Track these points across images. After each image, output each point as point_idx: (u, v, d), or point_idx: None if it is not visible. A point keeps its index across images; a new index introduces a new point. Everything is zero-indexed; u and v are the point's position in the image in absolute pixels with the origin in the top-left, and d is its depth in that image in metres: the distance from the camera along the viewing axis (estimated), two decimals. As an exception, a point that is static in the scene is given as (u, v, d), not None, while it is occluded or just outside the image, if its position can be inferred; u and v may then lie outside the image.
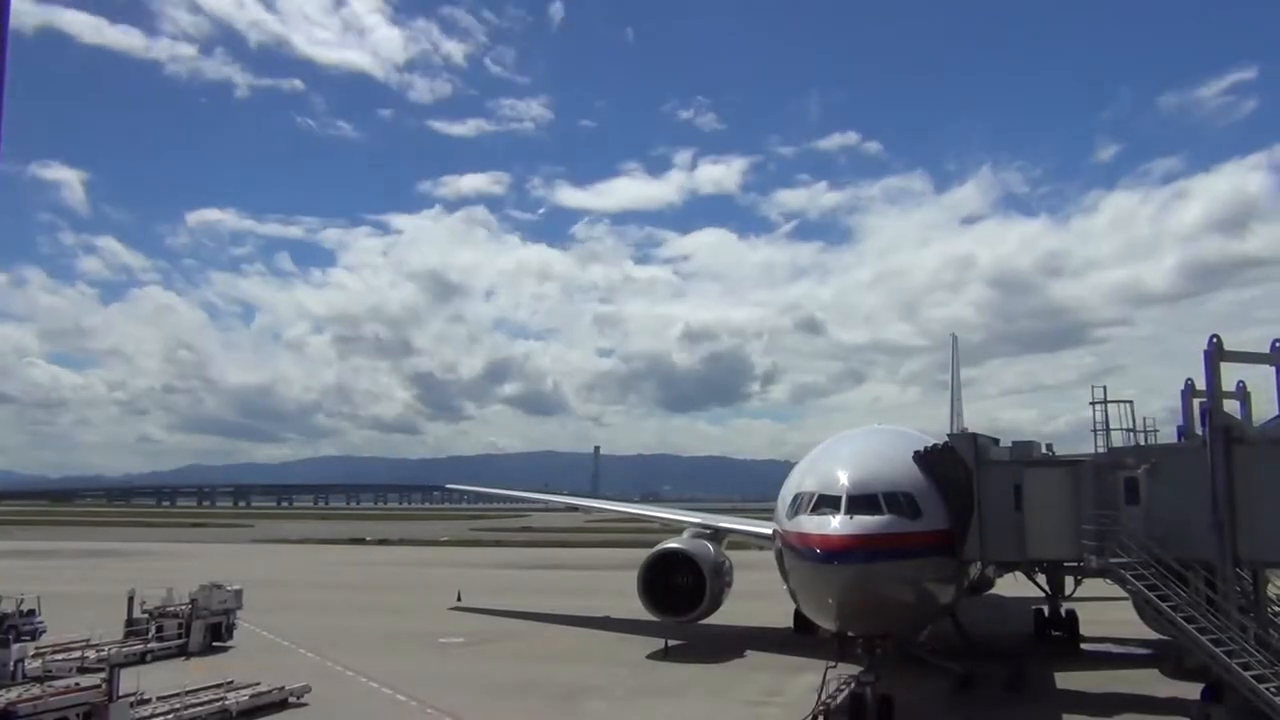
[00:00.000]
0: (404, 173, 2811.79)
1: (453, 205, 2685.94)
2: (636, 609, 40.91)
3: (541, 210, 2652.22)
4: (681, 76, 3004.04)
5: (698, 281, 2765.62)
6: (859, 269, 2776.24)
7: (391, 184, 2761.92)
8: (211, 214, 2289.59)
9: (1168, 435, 29.25)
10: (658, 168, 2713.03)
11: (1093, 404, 28.99)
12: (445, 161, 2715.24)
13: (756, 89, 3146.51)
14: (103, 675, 26.26)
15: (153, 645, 38.23)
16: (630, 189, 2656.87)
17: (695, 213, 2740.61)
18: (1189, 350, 27.15)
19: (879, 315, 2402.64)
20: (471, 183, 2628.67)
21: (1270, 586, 27.80)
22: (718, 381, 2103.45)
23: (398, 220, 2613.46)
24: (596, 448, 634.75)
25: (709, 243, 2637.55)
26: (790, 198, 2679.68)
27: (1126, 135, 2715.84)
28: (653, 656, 37.54)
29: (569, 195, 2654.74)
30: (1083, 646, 39.36)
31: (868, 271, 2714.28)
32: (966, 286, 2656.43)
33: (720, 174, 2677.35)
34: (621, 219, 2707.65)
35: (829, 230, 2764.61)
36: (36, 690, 25.55)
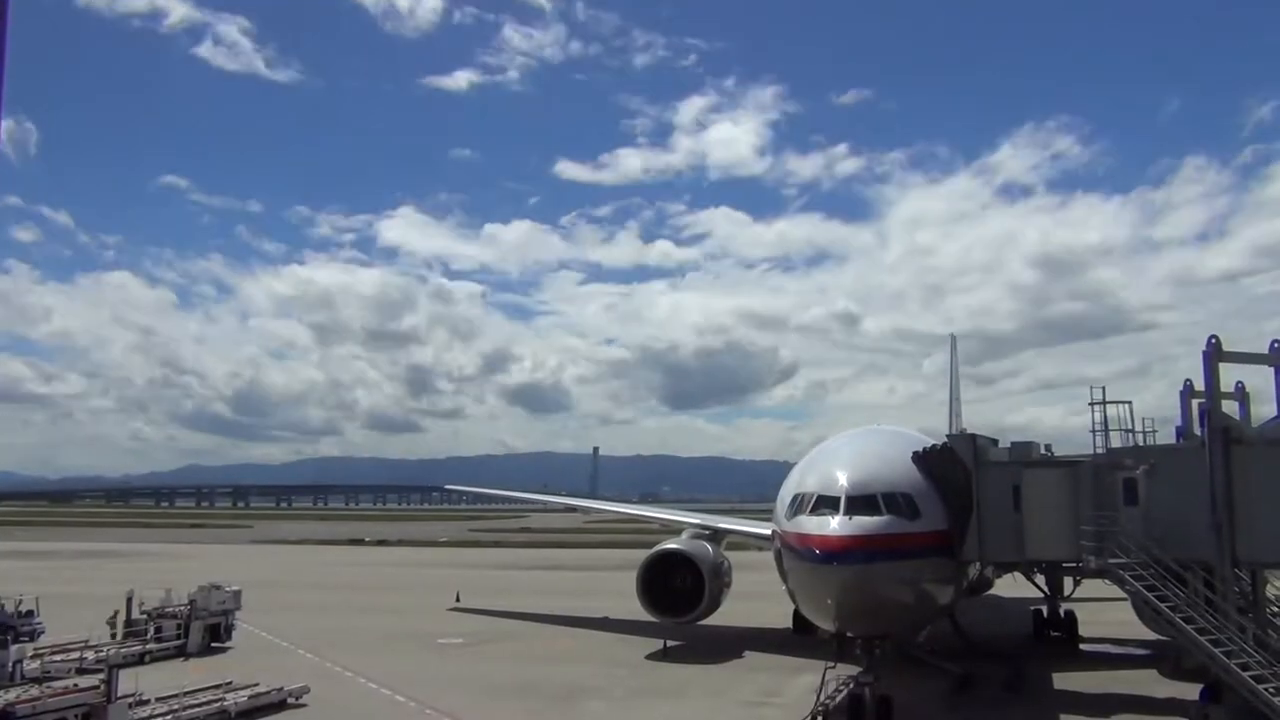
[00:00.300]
0: (392, 151, 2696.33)
1: (445, 187, 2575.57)
2: (635, 610, 40.88)
3: (537, 198, 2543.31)
4: (661, 14, 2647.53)
5: (705, 269, 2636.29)
6: (880, 250, 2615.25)
7: (380, 163, 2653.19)
8: (177, 182, 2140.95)
9: (1167, 436, 29.32)
10: (660, 133, 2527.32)
11: (1091, 404, 29.07)
12: (437, 131, 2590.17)
13: (748, 31, 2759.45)
14: (101, 676, 26.27)
15: (151, 646, 38.18)
16: (635, 161, 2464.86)
17: (704, 188, 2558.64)
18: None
19: (901, 302, 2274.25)
20: (462, 156, 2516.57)
21: (1269, 587, 27.87)
22: (722, 375, 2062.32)
23: (384, 203, 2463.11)
24: (595, 448, 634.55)
25: (719, 225, 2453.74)
26: (805, 165, 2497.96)
27: (1189, 90, 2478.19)
28: (652, 657, 37.54)
29: (568, 169, 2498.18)
30: (1081, 647, 39.33)
31: (890, 252, 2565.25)
32: (1002, 267, 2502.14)
33: (729, 134, 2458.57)
34: (625, 192, 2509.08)
35: (847, 203, 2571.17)
36: (35, 691, 25.57)
